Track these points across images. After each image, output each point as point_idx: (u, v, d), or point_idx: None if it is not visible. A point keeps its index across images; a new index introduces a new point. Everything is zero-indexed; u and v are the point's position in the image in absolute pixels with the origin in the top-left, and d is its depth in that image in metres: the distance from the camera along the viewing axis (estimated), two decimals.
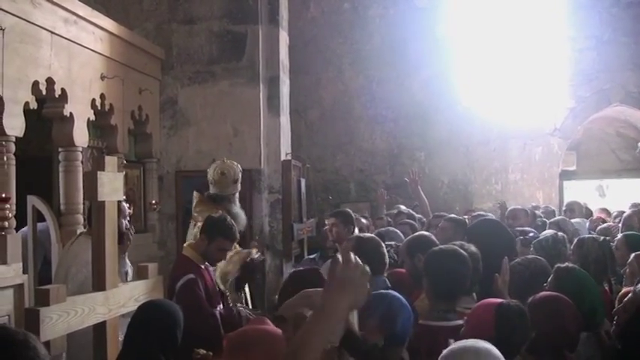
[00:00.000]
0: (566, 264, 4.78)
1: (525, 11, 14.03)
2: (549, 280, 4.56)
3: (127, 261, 6.09)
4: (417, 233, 6.34)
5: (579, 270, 4.70)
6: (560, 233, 6.42)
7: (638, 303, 3.84)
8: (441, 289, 4.27)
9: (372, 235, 6.02)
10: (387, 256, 5.24)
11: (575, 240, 6.11)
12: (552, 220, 8.59)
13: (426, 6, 13.91)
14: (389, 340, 3.73)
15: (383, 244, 5.34)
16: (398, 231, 7.36)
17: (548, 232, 6.69)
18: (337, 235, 7.30)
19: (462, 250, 4.49)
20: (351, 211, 7.77)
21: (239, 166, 7.49)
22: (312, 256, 8.22)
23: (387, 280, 5.05)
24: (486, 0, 14.17)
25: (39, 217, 7.17)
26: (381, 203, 11.06)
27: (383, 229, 7.64)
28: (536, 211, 10.13)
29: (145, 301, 4.56)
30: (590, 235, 6.35)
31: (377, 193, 11.60)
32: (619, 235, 6.88)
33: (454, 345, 3.04)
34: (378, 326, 3.78)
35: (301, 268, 5.75)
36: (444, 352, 3.00)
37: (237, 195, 7.44)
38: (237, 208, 7.29)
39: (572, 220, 8.89)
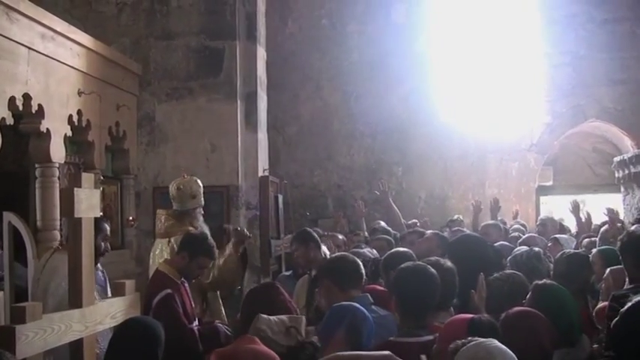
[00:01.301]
0: (544, 280, 4.79)
1: (502, 27, 14.16)
2: (527, 296, 4.58)
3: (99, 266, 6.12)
4: (393, 250, 6.34)
5: (557, 286, 4.72)
6: (535, 248, 6.44)
7: (624, 315, 3.85)
8: (408, 305, 4.28)
9: (345, 253, 6.04)
10: (360, 271, 5.23)
11: (558, 255, 6.13)
12: (521, 239, 8.60)
13: (404, 22, 13.96)
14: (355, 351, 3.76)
15: (355, 258, 5.35)
16: (363, 251, 7.32)
17: (524, 247, 6.71)
18: (302, 257, 7.21)
19: (430, 268, 4.50)
20: (309, 230, 7.67)
21: (198, 181, 7.42)
22: (287, 273, 8.20)
23: (369, 297, 5.05)
24: (464, 16, 14.28)
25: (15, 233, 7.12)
26: (359, 216, 11.02)
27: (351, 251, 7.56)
28: (506, 226, 10.19)
29: (126, 319, 4.54)
30: (569, 250, 6.37)
31: (354, 207, 11.56)
32: (594, 250, 6.91)
33: (471, 344, 3.06)
34: (344, 338, 3.80)
35: (257, 285, 5.78)
36: (462, 350, 3.03)
37: (198, 210, 7.38)
38: (200, 223, 7.28)
39: (559, 236, 8.89)
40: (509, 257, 6.33)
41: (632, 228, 6.14)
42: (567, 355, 4.22)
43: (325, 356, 3.65)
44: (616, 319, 3.87)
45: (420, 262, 4.72)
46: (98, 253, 5.55)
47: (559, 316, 4.24)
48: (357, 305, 4.18)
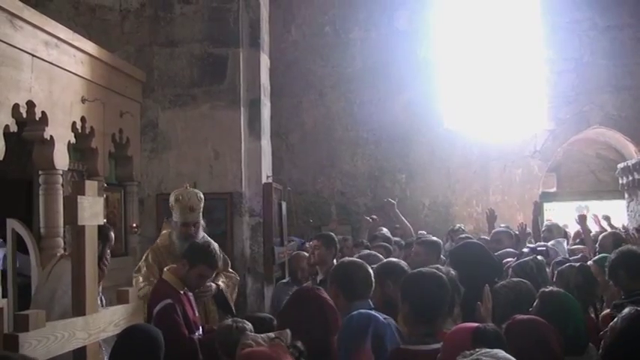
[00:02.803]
0: (550, 288, 4.77)
1: (505, 34, 14.19)
2: (534, 304, 4.56)
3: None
4: (385, 260, 6.27)
5: (564, 293, 4.69)
6: (539, 257, 6.42)
7: (619, 329, 3.86)
8: (421, 312, 4.24)
9: (356, 259, 5.99)
10: (371, 279, 5.20)
11: (556, 271, 6.11)
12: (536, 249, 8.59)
13: (407, 29, 14.00)
14: (379, 358, 3.76)
15: (368, 267, 5.31)
16: (379, 255, 7.27)
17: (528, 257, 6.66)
18: (319, 257, 7.34)
19: (440, 273, 4.48)
20: (334, 235, 7.79)
21: (178, 195, 7.04)
22: (284, 281, 8.23)
23: (370, 303, 5.04)
24: (467, 23, 14.32)
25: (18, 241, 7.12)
26: (364, 227, 11.04)
27: (364, 252, 7.53)
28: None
29: (127, 326, 4.54)
30: (569, 263, 6.37)
31: (364, 219, 11.57)
32: (590, 262, 6.92)
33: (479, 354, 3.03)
34: (371, 348, 3.80)
35: (301, 288, 5.69)
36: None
37: (176, 223, 7.05)
38: (174, 238, 7.04)
39: (549, 243, 8.90)
40: (512, 264, 6.27)
41: (621, 248, 6.15)
42: None
43: None
44: (607, 336, 3.88)
45: (429, 268, 4.68)
46: (103, 263, 5.52)
47: (566, 324, 4.23)
48: (374, 313, 4.15)
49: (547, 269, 6.22)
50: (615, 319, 4.12)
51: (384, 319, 4.67)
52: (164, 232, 7.33)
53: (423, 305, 4.24)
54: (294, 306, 4.43)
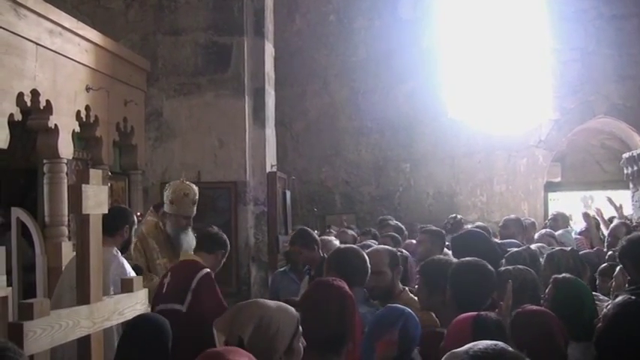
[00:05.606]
0: (563, 275, 4.77)
1: (510, 23, 14.15)
2: (547, 290, 4.56)
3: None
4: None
5: (575, 279, 4.70)
6: (532, 246, 6.42)
7: (610, 315, 3.86)
8: (465, 299, 4.26)
9: (353, 245, 5.98)
10: (367, 266, 5.18)
11: (545, 254, 6.09)
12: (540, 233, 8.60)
13: (411, 18, 13.97)
14: (402, 356, 3.76)
15: (364, 254, 5.29)
16: (375, 243, 7.22)
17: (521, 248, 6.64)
18: (305, 259, 7.29)
19: (483, 262, 4.52)
20: (308, 229, 7.70)
21: (173, 188, 7.15)
22: (281, 270, 8.21)
23: (365, 292, 5.04)
24: (471, 12, 14.27)
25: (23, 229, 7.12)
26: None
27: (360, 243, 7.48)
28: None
29: (136, 316, 4.55)
30: (560, 247, 6.35)
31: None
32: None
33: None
34: (396, 340, 3.79)
35: (323, 279, 5.67)
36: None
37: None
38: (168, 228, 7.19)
39: (557, 233, 8.90)
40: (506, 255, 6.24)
41: (631, 236, 6.09)
42: (588, 349, 4.20)
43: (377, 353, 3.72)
44: (600, 324, 3.88)
45: (478, 259, 4.70)
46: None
47: (580, 310, 4.27)
48: (410, 311, 4.14)
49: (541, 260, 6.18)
50: (608, 306, 4.13)
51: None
52: (149, 219, 7.34)
53: (467, 293, 4.28)
54: (315, 296, 4.41)
